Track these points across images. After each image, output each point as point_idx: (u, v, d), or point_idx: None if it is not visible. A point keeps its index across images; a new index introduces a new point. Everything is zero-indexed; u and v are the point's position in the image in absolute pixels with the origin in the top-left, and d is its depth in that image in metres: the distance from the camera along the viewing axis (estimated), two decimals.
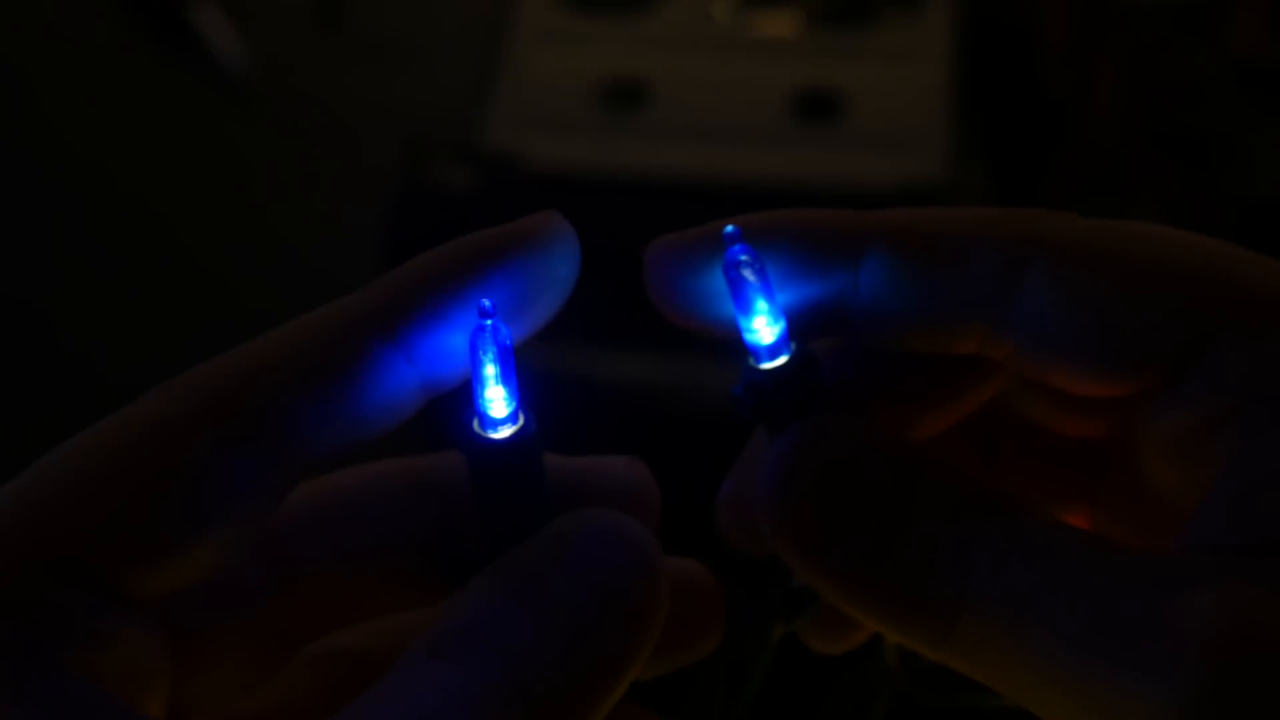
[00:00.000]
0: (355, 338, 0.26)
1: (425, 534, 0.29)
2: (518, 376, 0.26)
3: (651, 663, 0.28)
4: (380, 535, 0.29)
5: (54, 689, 0.22)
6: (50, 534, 0.24)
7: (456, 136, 0.98)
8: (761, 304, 0.27)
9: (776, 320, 0.27)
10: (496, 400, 0.26)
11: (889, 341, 0.28)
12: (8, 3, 1.28)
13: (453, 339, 0.26)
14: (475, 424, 0.27)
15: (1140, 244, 0.26)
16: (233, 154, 1.18)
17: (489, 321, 0.26)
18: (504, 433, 0.26)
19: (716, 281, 0.27)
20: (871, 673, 0.33)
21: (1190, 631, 0.22)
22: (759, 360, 0.27)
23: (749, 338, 0.27)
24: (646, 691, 0.29)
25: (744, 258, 0.27)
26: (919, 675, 0.33)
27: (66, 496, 0.24)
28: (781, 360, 0.27)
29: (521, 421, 0.26)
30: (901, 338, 0.28)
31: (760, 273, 0.27)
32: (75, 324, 1.10)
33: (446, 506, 0.29)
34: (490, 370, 0.26)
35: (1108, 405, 0.28)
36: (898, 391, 0.29)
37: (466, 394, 0.27)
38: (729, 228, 0.27)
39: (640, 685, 0.27)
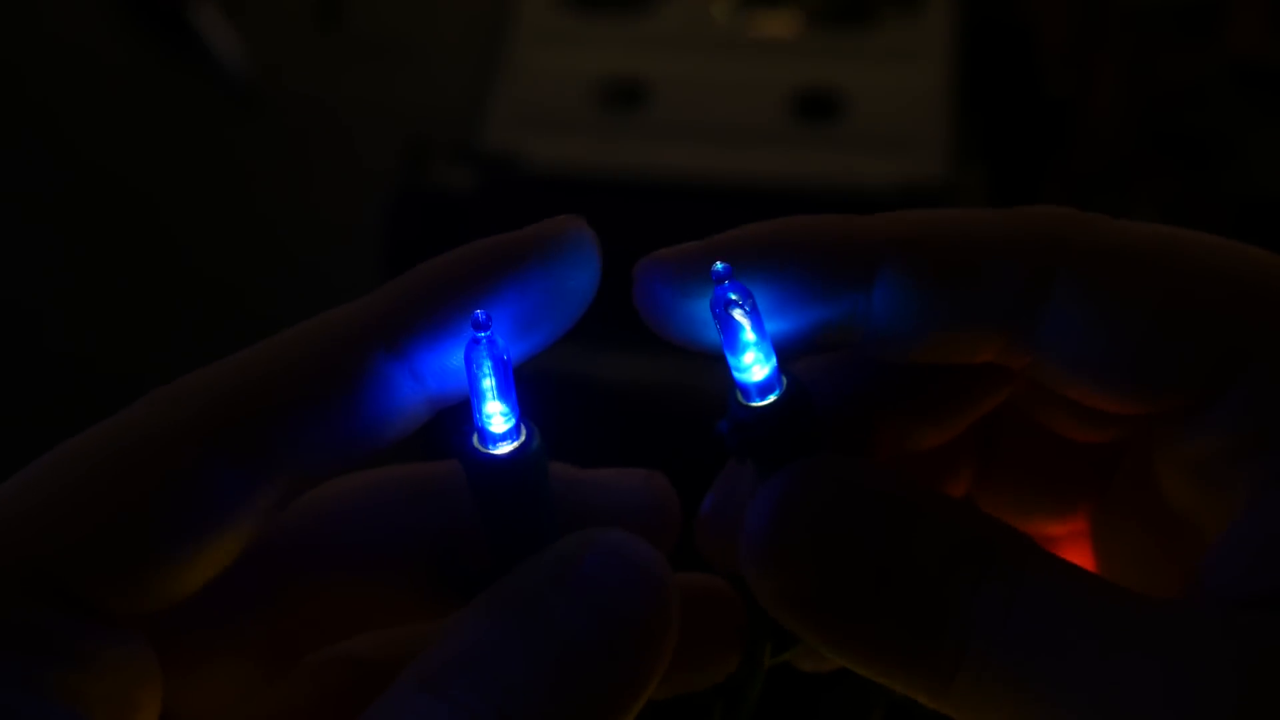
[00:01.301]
0: (357, 351, 0.25)
1: (429, 545, 0.28)
2: (518, 390, 0.25)
3: (671, 682, 0.27)
4: (379, 546, 0.28)
5: (31, 715, 0.22)
6: (29, 553, 0.23)
7: (456, 136, 0.98)
8: (751, 343, 0.25)
9: (767, 359, 0.25)
10: (496, 415, 0.25)
11: (896, 356, 0.26)
12: (7, 3, 1.28)
13: (460, 353, 0.25)
14: (475, 439, 0.25)
15: (1175, 254, 0.25)
16: (232, 154, 1.18)
17: (484, 334, 0.25)
18: (504, 448, 0.25)
19: (706, 308, 0.25)
20: (866, 681, 0.33)
21: (1203, 704, 0.21)
22: (748, 398, 0.26)
23: (738, 376, 0.26)
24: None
25: (733, 296, 0.25)
26: None
27: (47, 513, 0.23)
28: (771, 399, 0.26)
29: (523, 436, 0.25)
30: (914, 353, 0.26)
31: (751, 312, 0.25)
32: (74, 323, 1.10)
33: (450, 517, 0.28)
34: (488, 384, 0.25)
35: (1127, 418, 0.26)
36: (903, 405, 0.28)
37: (468, 406, 0.25)
38: (718, 265, 0.25)
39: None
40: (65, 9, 1.27)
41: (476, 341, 0.25)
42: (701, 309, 0.26)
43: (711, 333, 0.26)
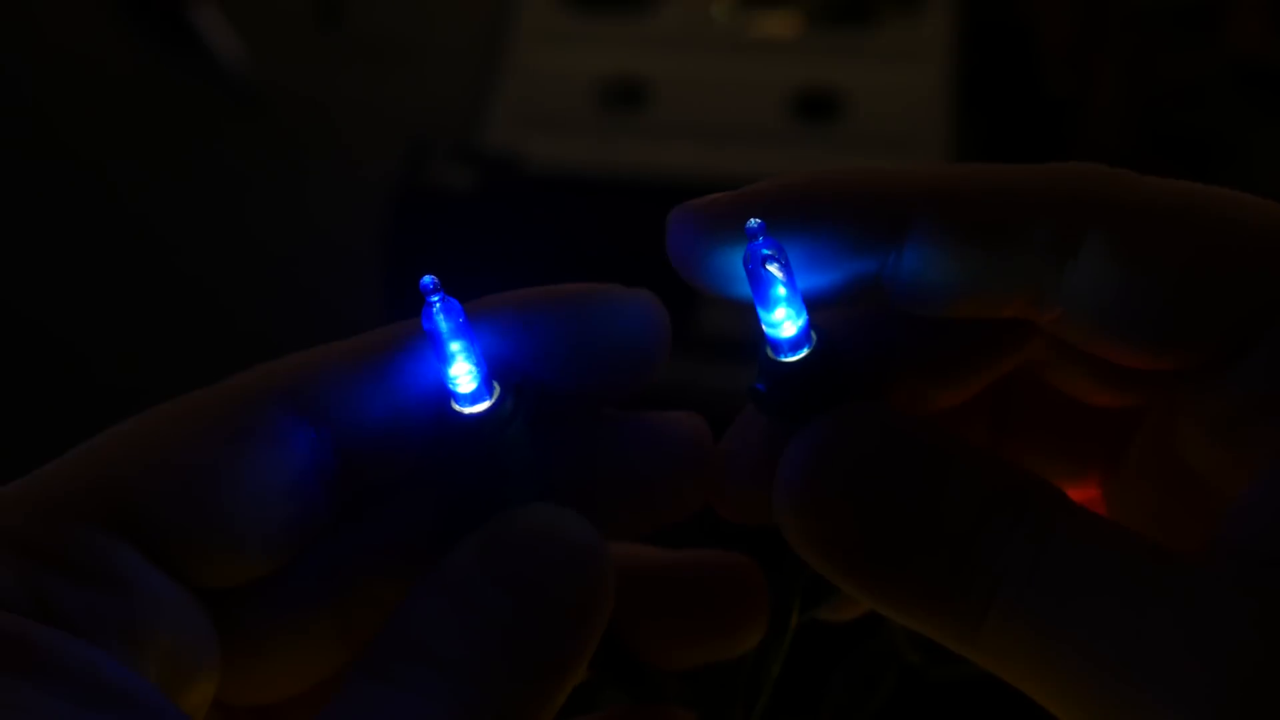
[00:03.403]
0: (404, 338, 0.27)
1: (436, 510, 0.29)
2: (484, 350, 0.26)
3: (692, 653, 0.29)
4: (416, 519, 0.29)
5: (86, 671, 0.22)
6: (118, 504, 0.24)
7: (456, 136, 0.98)
8: (783, 299, 0.26)
9: (799, 315, 0.26)
10: (462, 376, 0.26)
11: (924, 310, 0.26)
12: (5, 3, 1.27)
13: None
14: (452, 403, 0.27)
15: (1204, 209, 0.25)
16: (232, 153, 1.18)
17: (437, 298, 0.26)
18: (469, 409, 0.26)
19: (739, 261, 0.26)
20: (880, 645, 0.33)
21: (1222, 656, 0.22)
22: (778, 353, 0.26)
23: (769, 332, 0.26)
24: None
25: (767, 252, 0.25)
26: (927, 648, 0.32)
27: (140, 465, 0.25)
28: (803, 353, 0.26)
29: (494, 398, 0.26)
30: (941, 308, 0.26)
31: (784, 267, 0.25)
32: (74, 324, 1.10)
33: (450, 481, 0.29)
34: (455, 347, 0.26)
35: (1151, 375, 0.27)
36: (921, 362, 0.28)
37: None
38: (752, 222, 0.25)
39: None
40: (63, 9, 1.27)
41: (430, 305, 0.26)
42: (733, 261, 0.26)
43: (742, 285, 0.26)
